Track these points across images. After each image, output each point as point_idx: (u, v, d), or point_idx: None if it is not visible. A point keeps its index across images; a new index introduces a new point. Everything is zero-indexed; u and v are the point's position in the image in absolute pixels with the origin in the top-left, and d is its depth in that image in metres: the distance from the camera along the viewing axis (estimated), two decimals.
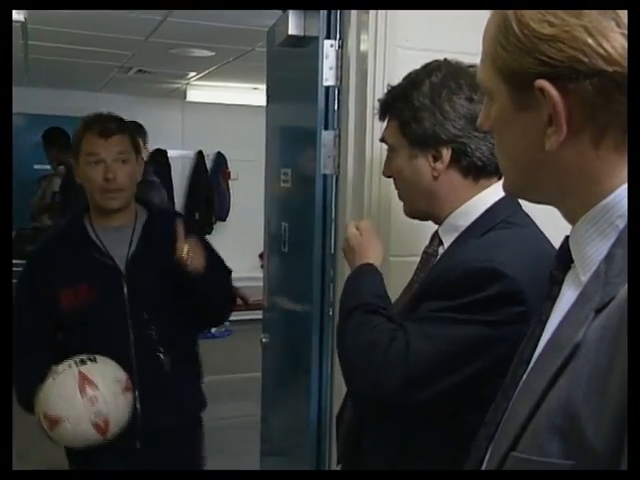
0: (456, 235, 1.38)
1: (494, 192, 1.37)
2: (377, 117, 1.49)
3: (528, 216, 1.36)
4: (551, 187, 0.77)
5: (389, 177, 1.49)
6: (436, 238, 1.44)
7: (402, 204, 1.50)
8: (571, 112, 0.69)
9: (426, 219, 1.48)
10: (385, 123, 1.46)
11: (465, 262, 1.24)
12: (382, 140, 1.49)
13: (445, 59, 1.41)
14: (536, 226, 1.36)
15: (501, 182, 1.37)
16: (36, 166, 7.14)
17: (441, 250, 1.42)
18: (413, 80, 1.39)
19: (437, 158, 1.36)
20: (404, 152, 1.40)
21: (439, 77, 1.36)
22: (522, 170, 0.79)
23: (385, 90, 1.48)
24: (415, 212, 1.47)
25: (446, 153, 1.35)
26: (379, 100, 1.47)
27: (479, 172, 1.37)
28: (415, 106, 1.36)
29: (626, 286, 0.61)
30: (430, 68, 1.39)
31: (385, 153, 1.51)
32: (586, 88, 0.67)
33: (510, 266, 1.19)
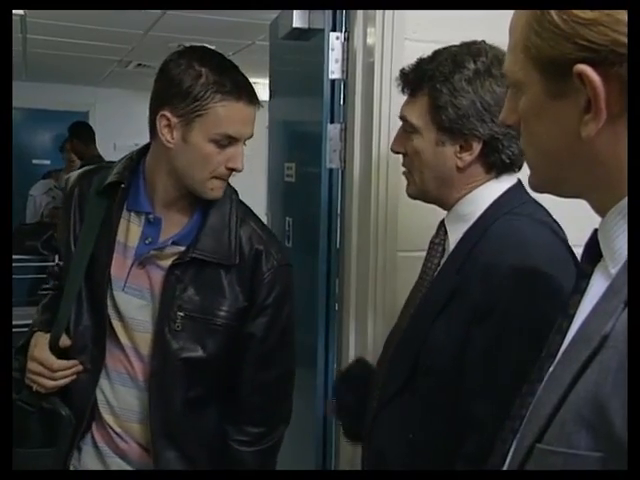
0: (462, 225, 1.32)
1: (498, 184, 1.32)
2: (399, 91, 1.36)
3: (538, 203, 1.31)
4: (583, 178, 0.75)
5: (397, 153, 1.40)
6: (442, 227, 1.39)
7: (407, 183, 1.40)
8: (610, 97, 0.67)
9: (429, 202, 1.41)
10: (407, 98, 1.36)
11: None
12: (402, 118, 1.36)
13: (483, 41, 1.31)
14: (547, 213, 1.31)
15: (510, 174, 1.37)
16: (35, 161, 7.13)
17: (448, 241, 1.36)
18: (455, 60, 1.27)
19: (465, 149, 1.28)
20: (429, 135, 1.30)
21: (485, 63, 1.26)
22: (554, 162, 0.77)
23: (393, 79, 1.40)
24: (422, 195, 1.39)
25: (476, 146, 1.27)
26: (405, 71, 1.35)
27: (504, 169, 1.31)
28: (456, 90, 1.25)
29: None
30: (474, 50, 1.29)
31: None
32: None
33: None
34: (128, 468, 1.55)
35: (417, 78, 1.32)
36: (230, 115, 1.41)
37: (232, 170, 1.47)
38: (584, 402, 0.62)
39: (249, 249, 1.53)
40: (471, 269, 1.24)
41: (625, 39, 0.65)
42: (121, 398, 1.54)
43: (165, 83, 1.44)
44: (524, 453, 0.70)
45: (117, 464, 1.56)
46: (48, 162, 6.67)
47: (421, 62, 1.33)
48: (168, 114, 1.42)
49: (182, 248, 1.50)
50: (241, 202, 1.61)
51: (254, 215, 1.63)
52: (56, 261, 1.75)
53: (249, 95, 1.44)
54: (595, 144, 0.70)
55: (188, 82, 1.40)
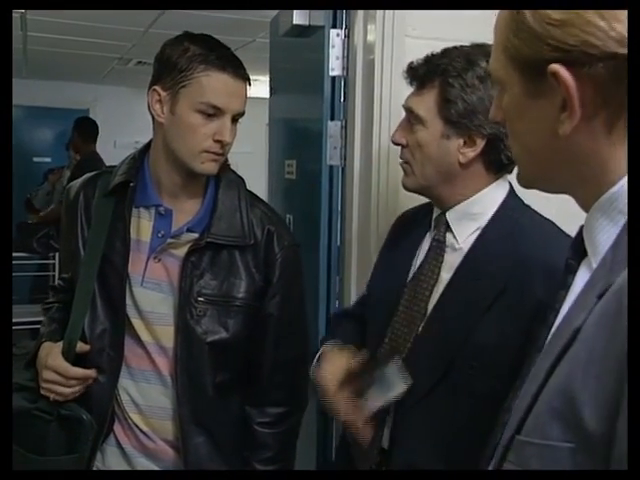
0: (472, 224, 1.35)
1: (504, 185, 1.37)
2: (407, 84, 1.38)
3: (536, 212, 1.35)
4: (565, 175, 0.77)
5: (398, 145, 1.41)
6: (442, 224, 1.39)
7: (404, 174, 1.42)
8: (584, 96, 0.69)
9: (427, 197, 1.43)
10: (413, 90, 1.38)
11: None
12: (407, 109, 1.38)
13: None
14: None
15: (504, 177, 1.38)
16: (35, 159, 7.12)
17: (451, 237, 1.37)
18: (469, 58, 1.30)
19: (469, 145, 1.31)
20: (435, 128, 1.33)
21: None
22: (537, 158, 0.79)
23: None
24: (421, 188, 1.41)
25: (480, 143, 1.31)
26: (415, 65, 1.37)
27: (501, 169, 1.34)
28: (467, 85, 1.28)
29: (624, 272, 0.61)
30: (486, 49, 1.27)
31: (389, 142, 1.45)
32: (599, 72, 0.67)
33: None
34: (154, 467, 1.55)
35: (428, 71, 1.34)
36: (213, 85, 1.43)
37: (220, 143, 1.46)
38: (556, 394, 0.64)
39: (261, 230, 1.55)
40: (519, 268, 1.26)
41: (595, 40, 0.66)
42: (147, 395, 1.54)
43: (158, 63, 1.49)
44: (505, 445, 0.71)
45: (142, 464, 1.55)
46: (49, 160, 6.66)
47: (432, 58, 1.35)
48: (159, 89, 1.46)
49: (196, 235, 1.52)
50: (247, 190, 1.62)
51: (261, 200, 1.65)
52: (59, 274, 1.72)
53: (234, 68, 1.45)
54: (573, 142, 0.72)
55: (175, 57, 1.44)
